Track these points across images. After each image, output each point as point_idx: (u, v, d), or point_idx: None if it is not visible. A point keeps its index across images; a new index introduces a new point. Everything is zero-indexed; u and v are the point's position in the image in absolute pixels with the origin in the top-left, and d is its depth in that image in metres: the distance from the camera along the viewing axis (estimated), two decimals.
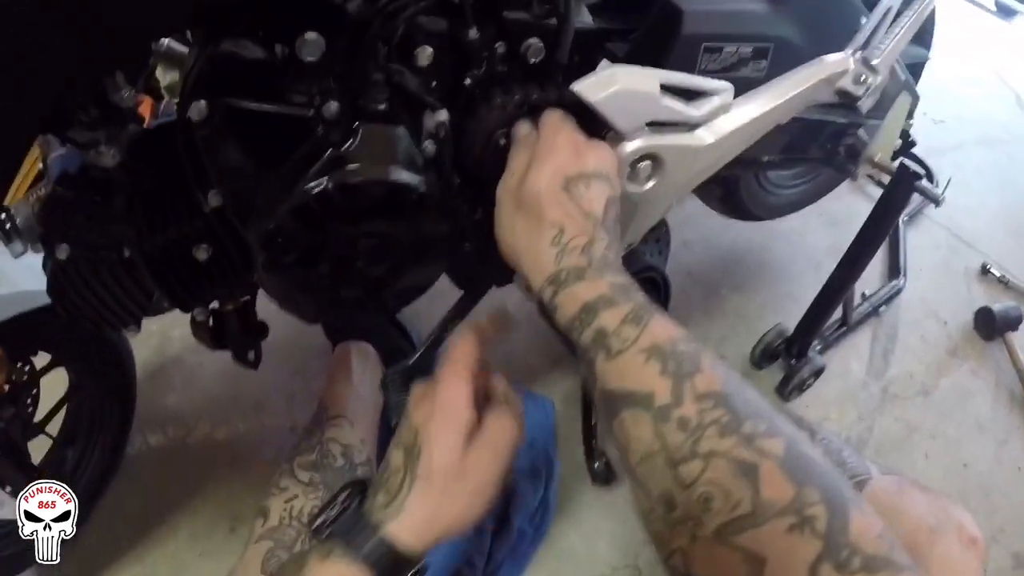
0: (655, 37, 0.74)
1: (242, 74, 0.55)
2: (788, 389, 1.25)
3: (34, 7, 0.41)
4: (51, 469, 0.92)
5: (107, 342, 0.92)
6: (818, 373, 1.28)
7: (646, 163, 0.69)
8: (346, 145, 0.59)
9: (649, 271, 1.11)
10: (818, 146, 1.08)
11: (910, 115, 1.21)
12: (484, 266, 0.78)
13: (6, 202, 0.56)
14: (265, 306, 0.74)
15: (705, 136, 0.70)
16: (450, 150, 0.66)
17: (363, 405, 0.98)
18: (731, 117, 0.71)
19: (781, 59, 0.79)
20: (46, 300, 0.66)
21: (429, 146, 0.64)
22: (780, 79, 0.75)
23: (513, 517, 0.96)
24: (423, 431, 0.53)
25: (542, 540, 1.01)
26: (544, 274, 0.54)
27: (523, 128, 0.63)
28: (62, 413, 0.94)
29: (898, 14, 0.87)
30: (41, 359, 0.87)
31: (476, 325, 0.61)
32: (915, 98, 1.19)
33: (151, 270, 0.63)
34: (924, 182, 1.07)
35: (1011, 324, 1.55)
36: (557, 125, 0.61)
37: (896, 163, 1.07)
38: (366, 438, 0.95)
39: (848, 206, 1.71)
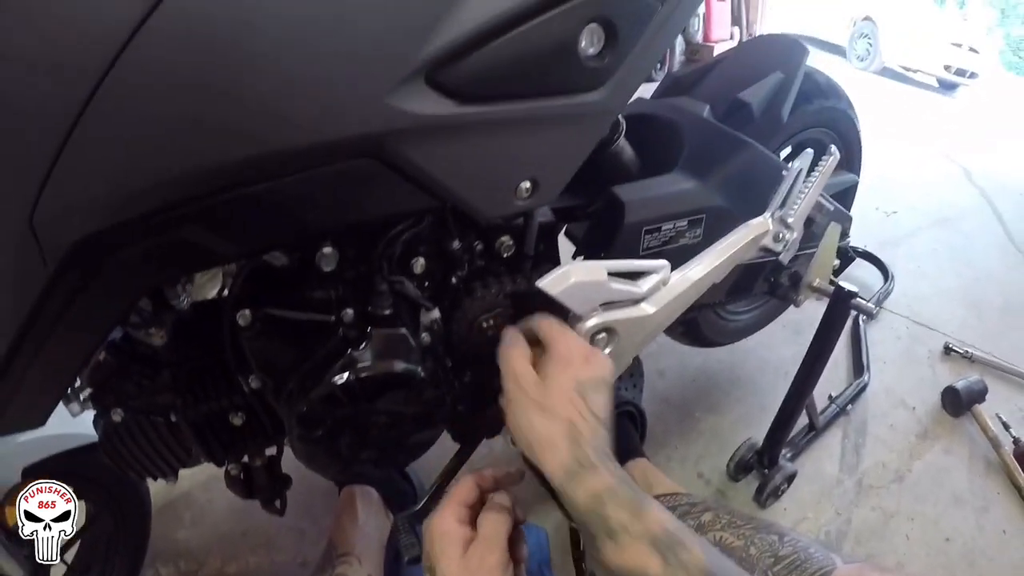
0: (604, 225, 0.88)
1: (276, 285, 0.67)
2: (763, 497, 1.33)
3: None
4: None
5: (129, 481, 0.99)
6: (790, 479, 1.37)
7: (603, 335, 0.81)
8: (362, 345, 0.70)
9: (625, 405, 1.22)
10: (761, 282, 1.22)
11: (844, 235, 1.37)
12: (475, 423, 0.90)
13: None
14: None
15: (649, 307, 0.83)
16: (442, 338, 0.79)
17: (369, 543, 1.06)
18: (671, 287, 0.85)
19: (714, 225, 0.94)
20: (79, 441, 0.75)
21: (425, 337, 0.77)
22: (711, 248, 0.89)
23: None
24: (434, 555, 0.61)
25: None
26: (560, 463, 0.61)
27: (510, 333, 0.71)
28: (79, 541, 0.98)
29: (809, 172, 1.02)
30: None
31: (479, 474, 0.71)
32: (846, 221, 1.35)
33: (194, 433, 0.75)
34: (858, 299, 1.19)
35: (977, 397, 1.63)
36: (566, 336, 0.69)
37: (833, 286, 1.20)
38: (372, 573, 1.02)
39: (810, 314, 1.77)
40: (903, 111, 3.43)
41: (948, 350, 1.85)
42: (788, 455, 1.42)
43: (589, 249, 0.90)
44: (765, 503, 1.35)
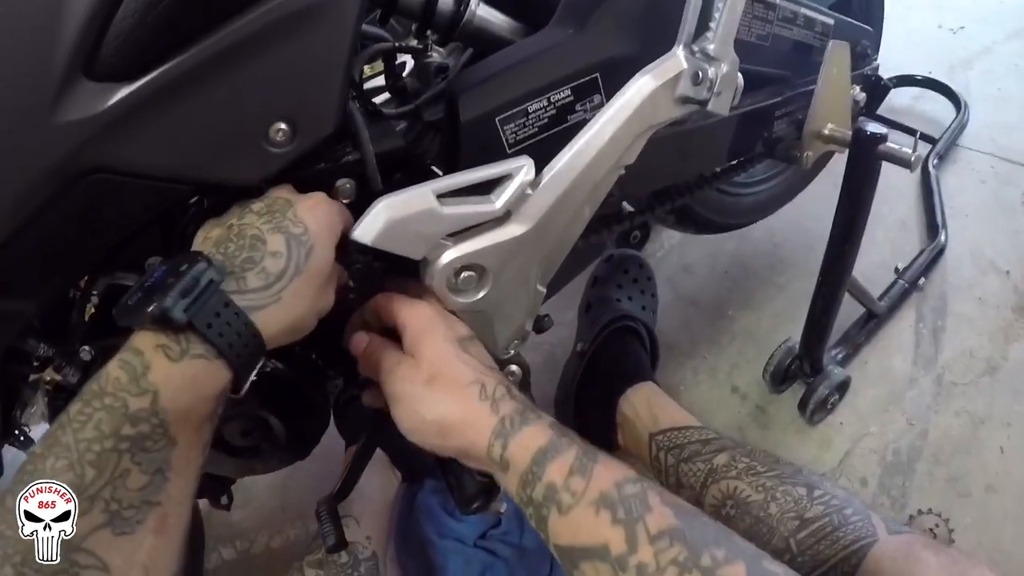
0: (449, 133, 0.67)
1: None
2: (808, 412, 1.09)
3: None
4: None
5: None
6: (842, 387, 1.10)
7: (467, 275, 0.61)
8: None
9: (624, 320, 1.07)
10: (759, 138, 0.94)
11: (863, 57, 1.05)
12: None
13: None
14: None
15: (518, 226, 0.60)
16: None
17: (370, 504, 1.00)
18: (543, 191, 0.60)
19: (620, 81, 0.67)
20: None
21: None
22: (593, 119, 0.63)
23: None
24: (314, 229, 0.54)
25: None
26: (487, 430, 0.53)
27: (356, 338, 0.63)
28: None
29: None
30: None
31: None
32: (860, 36, 1.03)
33: None
34: (889, 144, 0.89)
35: None
36: (411, 306, 0.61)
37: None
38: (372, 535, 0.96)
39: None
40: None
41: None
42: (839, 356, 1.15)
43: (447, 172, 0.68)
44: (813, 419, 1.10)
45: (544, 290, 0.69)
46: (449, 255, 0.59)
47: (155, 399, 0.45)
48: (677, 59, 0.64)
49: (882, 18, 1.22)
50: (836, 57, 0.89)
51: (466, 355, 0.57)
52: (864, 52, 1.06)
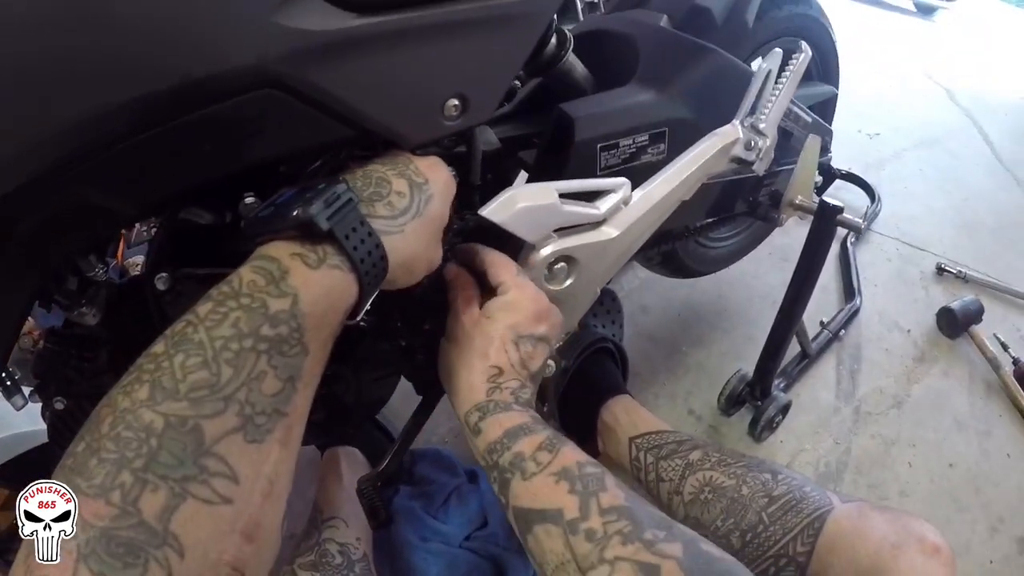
0: (555, 146, 0.80)
1: (198, 242, 0.60)
2: (758, 430, 1.28)
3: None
4: None
5: None
6: (785, 409, 1.31)
7: (561, 264, 0.74)
8: None
9: (602, 342, 1.15)
10: (742, 201, 1.14)
11: (825, 150, 1.29)
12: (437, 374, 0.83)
13: None
14: None
15: (611, 230, 0.76)
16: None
17: (355, 505, 0.99)
18: (633, 207, 0.77)
19: (679, 138, 0.86)
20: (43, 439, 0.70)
21: None
22: (675, 162, 0.81)
23: None
24: (434, 182, 0.56)
25: None
26: (473, 401, 0.59)
27: (452, 270, 0.69)
28: None
29: (778, 74, 0.94)
30: None
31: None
32: (827, 134, 1.27)
33: None
34: (844, 215, 1.12)
35: (973, 318, 1.58)
36: (522, 285, 0.66)
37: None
38: (361, 536, 0.96)
39: (797, 239, 1.70)
40: (880, 34, 3.32)
41: (941, 270, 1.79)
42: (781, 385, 1.36)
43: (541, 175, 0.82)
44: (760, 436, 1.29)
45: (599, 294, 0.84)
46: (556, 244, 0.72)
47: (295, 302, 0.43)
48: (736, 128, 0.84)
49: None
50: (811, 147, 1.11)
51: (511, 346, 0.62)
52: (825, 147, 1.31)
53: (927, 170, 2.20)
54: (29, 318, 0.68)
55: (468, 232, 0.73)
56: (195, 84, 0.43)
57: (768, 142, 0.87)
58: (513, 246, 0.71)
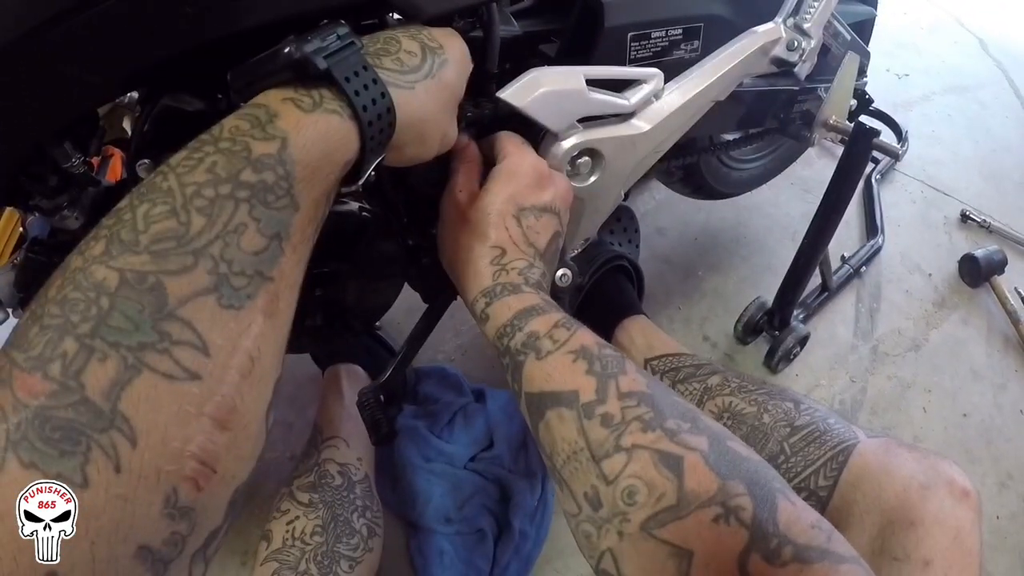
0: (581, 33, 0.74)
1: (187, 129, 0.54)
2: (775, 360, 1.24)
3: None
4: None
5: None
6: (803, 341, 1.27)
7: (585, 159, 0.69)
8: None
9: (618, 259, 1.12)
10: (772, 116, 1.08)
11: (862, 73, 1.22)
12: (443, 278, 0.78)
13: None
14: None
15: (640, 124, 0.70)
16: (390, 173, 0.66)
17: (357, 425, 0.98)
18: (665, 101, 0.72)
19: (714, 37, 0.80)
20: None
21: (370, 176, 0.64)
22: (711, 56, 0.76)
23: (513, 520, 0.96)
24: (450, 50, 0.52)
25: (544, 539, 1.00)
26: (479, 288, 0.55)
27: (461, 140, 0.63)
28: None
29: None
30: None
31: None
32: (864, 56, 1.20)
33: None
34: (882, 139, 1.06)
35: (996, 268, 1.53)
36: (521, 151, 0.61)
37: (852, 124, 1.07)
38: (362, 456, 0.95)
39: (819, 172, 1.71)
40: None
41: (965, 218, 1.72)
42: (800, 316, 1.31)
43: (566, 63, 0.76)
44: (776, 367, 1.26)
45: (623, 197, 0.79)
46: (580, 135, 0.67)
47: (284, 146, 0.37)
48: (778, 27, 0.78)
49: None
50: (849, 65, 1.05)
51: (512, 221, 0.57)
52: (862, 69, 1.24)
53: (956, 116, 2.12)
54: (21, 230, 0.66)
55: (484, 122, 0.67)
56: None
57: (813, 43, 0.81)
58: (533, 137, 0.66)
